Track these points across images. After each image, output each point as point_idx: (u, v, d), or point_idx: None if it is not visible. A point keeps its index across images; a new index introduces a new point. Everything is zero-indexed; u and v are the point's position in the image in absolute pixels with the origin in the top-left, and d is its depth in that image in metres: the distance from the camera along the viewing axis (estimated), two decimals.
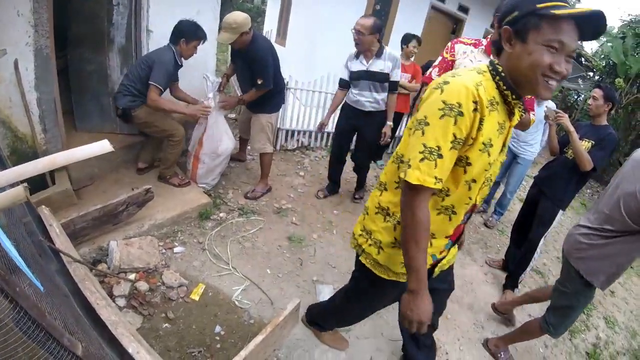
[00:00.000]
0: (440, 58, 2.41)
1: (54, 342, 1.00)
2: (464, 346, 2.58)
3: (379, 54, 3.21)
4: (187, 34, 2.94)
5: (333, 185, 3.95)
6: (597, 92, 2.76)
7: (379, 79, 3.26)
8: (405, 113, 4.74)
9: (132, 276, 2.42)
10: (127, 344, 1.49)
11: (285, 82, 4.23)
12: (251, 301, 2.47)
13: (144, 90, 2.89)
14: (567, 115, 2.84)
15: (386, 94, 3.37)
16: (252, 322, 2.32)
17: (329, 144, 5.07)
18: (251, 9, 14.07)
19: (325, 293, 2.67)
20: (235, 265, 2.73)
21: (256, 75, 3.11)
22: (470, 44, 2.27)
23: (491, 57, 1.96)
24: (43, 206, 2.19)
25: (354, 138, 3.82)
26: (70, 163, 1.21)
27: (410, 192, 1.15)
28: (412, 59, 4.52)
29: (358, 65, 3.29)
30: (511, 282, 3.17)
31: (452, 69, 2.22)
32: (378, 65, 3.22)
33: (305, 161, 4.58)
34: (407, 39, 4.46)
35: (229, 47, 3.28)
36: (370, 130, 3.51)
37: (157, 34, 3.23)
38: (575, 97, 9.49)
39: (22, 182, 2.03)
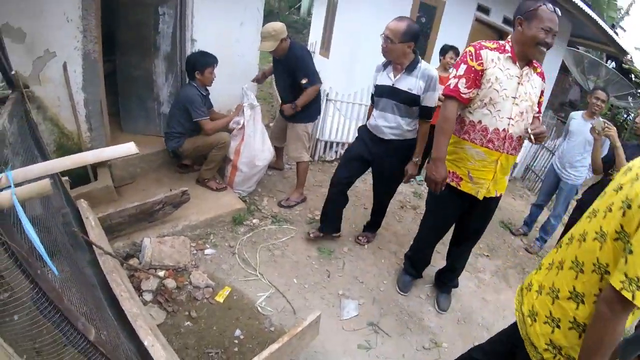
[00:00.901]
0: (464, 67, 2.08)
1: (68, 325, 1.03)
2: None
3: (410, 69, 2.59)
4: (198, 65, 3.14)
5: (327, 225, 3.12)
6: None
7: (405, 101, 2.62)
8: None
9: (161, 273, 2.48)
10: (143, 336, 1.51)
11: (326, 93, 4.26)
12: (274, 309, 2.46)
13: (184, 130, 3.24)
14: (615, 129, 2.64)
15: (414, 120, 2.70)
16: (272, 330, 2.30)
17: None
18: (297, 21, 14.35)
19: (350, 308, 2.61)
20: (263, 272, 2.73)
21: (300, 77, 3.16)
22: (494, 49, 2.07)
23: (517, 64, 2.05)
24: (82, 199, 2.31)
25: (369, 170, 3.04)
26: (99, 161, 1.26)
27: (622, 309, 0.98)
28: (451, 70, 4.40)
29: (384, 79, 2.73)
30: None
31: (482, 79, 2.06)
32: (407, 83, 2.59)
33: None
34: (444, 50, 4.38)
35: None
36: (389, 165, 2.81)
37: (200, 43, 3.36)
38: (625, 116, 8.82)
39: (62, 175, 2.15)
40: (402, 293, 2.86)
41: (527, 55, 2.05)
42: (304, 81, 3.16)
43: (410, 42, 2.53)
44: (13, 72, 1.43)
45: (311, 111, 3.47)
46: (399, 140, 2.73)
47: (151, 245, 2.56)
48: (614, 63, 9.52)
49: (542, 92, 2.18)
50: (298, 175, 3.61)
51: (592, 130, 2.76)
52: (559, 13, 1.99)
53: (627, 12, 12.87)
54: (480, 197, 2.26)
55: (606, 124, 2.68)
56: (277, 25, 3.07)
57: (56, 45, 2.58)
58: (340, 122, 4.60)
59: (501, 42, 2.13)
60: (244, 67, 3.76)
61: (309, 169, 3.67)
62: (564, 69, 8.41)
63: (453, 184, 2.30)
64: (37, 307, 0.93)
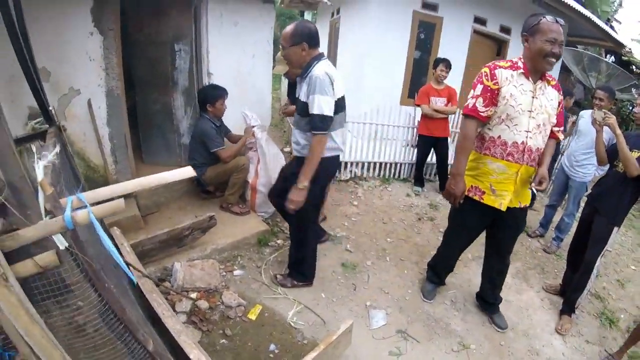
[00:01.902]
0: (480, 87, 2.18)
1: (130, 336, 1.12)
2: None
3: (302, 74, 2.33)
4: (208, 98, 3.34)
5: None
6: None
7: (301, 111, 2.36)
8: (446, 137, 4.74)
9: (193, 295, 2.57)
10: (189, 350, 1.60)
11: None
12: (305, 322, 2.52)
13: (204, 160, 3.42)
14: (614, 118, 2.70)
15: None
16: (305, 342, 2.35)
17: (381, 174, 5.12)
18: None
19: (379, 318, 2.65)
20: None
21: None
22: (507, 67, 2.17)
23: (530, 79, 2.16)
24: (115, 227, 2.44)
25: None
26: (162, 184, 1.38)
27: None
28: (445, 82, 4.59)
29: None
30: (568, 307, 2.98)
31: (497, 98, 2.16)
32: (301, 90, 2.36)
33: (358, 191, 4.64)
34: (436, 62, 4.57)
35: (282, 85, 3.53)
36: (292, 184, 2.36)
37: (216, 77, 3.56)
38: (630, 108, 8.73)
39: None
40: (427, 300, 2.91)
41: (538, 69, 2.15)
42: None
43: (301, 43, 2.25)
44: (50, 108, 1.58)
45: None
46: (303, 159, 2.39)
47: (182, 269, 2.66)
48: (613, 57, 9.54)
49: (559, 103, 2.27)
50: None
51: (594, 121, 2.82)
52: (562, 22, 2.07)
53: (620, 4, 12.89)
54: (503, 208, 2.32)
55: (606, 114, 2.74)
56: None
57: (80, 83, 2.77)
58: (352, 142, 4.73)
59: (514, 59, 2.23)
60: (257, 96, 3.95)
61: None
62: (565, 70, 8.45)
63: (476, 197, 2.39)
64: (103, 319, 1.03)
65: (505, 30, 6.58)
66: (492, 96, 2.16)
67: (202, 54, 3.50)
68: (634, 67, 8.73)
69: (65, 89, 2.72)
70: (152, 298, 1.88)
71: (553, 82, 2.24)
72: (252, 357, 2.21)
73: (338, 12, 7.18)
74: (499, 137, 2.23)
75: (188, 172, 1.46)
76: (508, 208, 2.34)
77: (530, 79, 2.16)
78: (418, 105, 4.62)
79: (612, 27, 10.44)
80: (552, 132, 2.32)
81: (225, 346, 2.26)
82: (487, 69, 2.19)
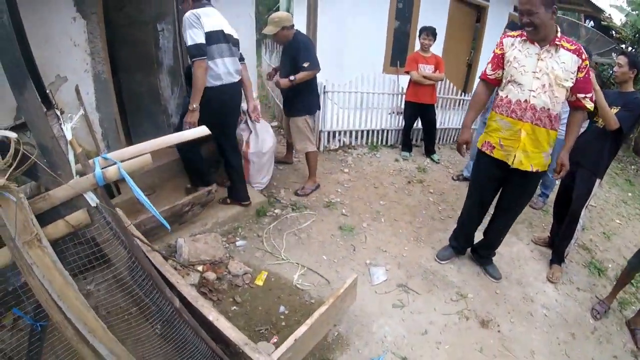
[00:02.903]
0: (492, 55, 2.51)
1: (158, 293, 1.18)
2: (515, 318, 2.62)
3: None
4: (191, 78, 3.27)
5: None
6: (622, 59, 2.79)
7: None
8: (433, 104, 4.82)
9: (200, 268, 2.64)
10: (207, 313, 1.68)
11: (323, 85, 4.43)
12: (310, 284, 2.63)
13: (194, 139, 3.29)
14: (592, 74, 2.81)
15: None
16: (312, 302, 2.47)
17: (369, 141, 5.19)
18: None
19: (379, 274, 2.78)
20: (293, 254, 2.90)
21: (301, 61, 3.32)
22: (516, 36, 2.38)
23: (536, 44, 2.28)
24: (117, 208, 2.47)
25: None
26: (181, 141, 1.44)
27: None
28: (431, 50, 4.65)
29: None
30: (557, 257, 3.16)
31: (503, 61, 2.42)
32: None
33: (348, 159, 4.71)
34: (420, 31, 4.63)
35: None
36: None
37: None
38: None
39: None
40: (439, 260, 3.03)
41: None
42: (305, 64, 3.30)
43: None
44: (48, 91, 1.58)
45: (308, 104, 3.62)
46: None
47: (186, 244, 2.72)
48: (592, 22, 9.64)
49: (579, 67, 2.27)
50: (308, 165, 3.77)
51: None
52: None
53: None
54: (510, 163, 2.47)
55: None
56: (283, 15, 3.30)
57: (67, 70, 2.72)
58: (339, 112, 4.77)
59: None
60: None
61: (317, 158, 3.83)
62: None
63: (487, 151, 2.58)
64: (132, 276, 1.09)
65: None
66: (499, 61, 2.45)
67: None
68: (613, 32, 8.85)
69: (52, 77, 2.67)
70: (164, 269, 1.95)
71: (571, 47, 2.26)
72: (264, 320, 2.32)
73: None
74: (507, 96, 2.42)
75: (203, 130, 1.51)
76: (518, 170, 2.48)
77: (535, 44, 2.28)
78: (407, 72, 4.66)
79: None
80: (577, 100, 2.36)
81: (237, 312, 2.36)
82: (499, 40, 2.48)
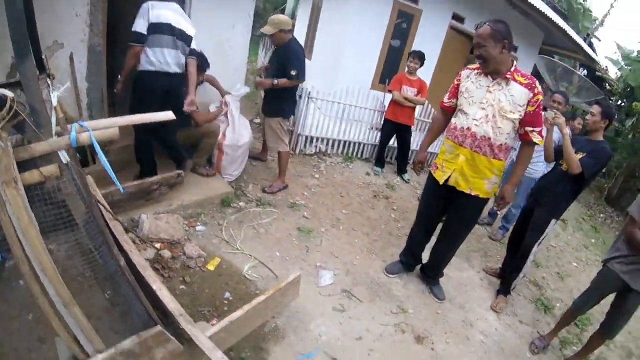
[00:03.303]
0: (452, 85, 2.72)
1: (107, 249, 1.32)
2: (451, 339, 2.75)
3: None
4: None
5: None
6: (595, 109, 2.90)
7: None
8: (410, 125, 5.03)
9: (157, 245, 2.76)
10: (152, 282, 1.81)
11: (307, 92, 4.61)
12: (259, 276, 2.78)
13: (176, 123, 3.34)
14: (563, 118, 2.99)
15: None
16: (257, 293, 2.61)
17: (344, 152, 5.39)
18: None
19: (327, 277, 2.94)
20: (249, 246, 3.04)
21: (290, 69, 3.47)
22: (474, 69, 2.57)
23: (489, 77, 2.45)
24: (88, 175, 2.57)
25: None
26: (142, 122, 1.57)
27: None
28: (418, 74, 4.90)
29: None
30: (504, 288, 3.32)
31: (457, 91, 2.64)
32: None
33: (321, 165, 4.89)
34: (409, 54, 4.88)
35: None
36: None
37: (198, 45, 3.65)
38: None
39: None
40: (387, 274, 3.18)
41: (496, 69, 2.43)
42: (292, 72, 3.47)
43: None
44: (43, 56, 1.69)
45: (284, 108, 3.77)
46: None
47: (148, 220, 2.83)
48: (585, 71, 10.15)
49: (529, 101, 2.38)
50: (279, 164, 3.92)
51: (545, 120, 2.97)
52: (483, 29, 2.32)
53: (601, 23, 13.59)
54: (441, 181, 2.69)
55: (556, 114, 3.02)
56: (283, 18, 3.44)
57: (64, 37, 2.83)
58: (320, 119, 4.95)
59: None
60: (234, 65, 4.09)
61: (291, 161, 3.99)
62: (538, 76, 8.97)
63: (431, 170, 2.83)
64: (87, 230, 1.23)
65: None
66: (454, 90, 2.68)
67: None
68: (606, 84, 9.31)
69: (50, 42, 2.76)
70: (121, 238, 2.06)
71: (524, 81, 2.38)
72: (207, 302, 2.44)
73: None
74: (454, 123, 2.65)
75: (168, 115, 1.65)
76: (459, 192, 2.65)
77: (488, 76, 2.46)
78: (390, 91, 4.88)
79: (590, 43, 10.99)
80: (525, 133, 2.47)
81: (184, 291, 2.48)
82: (459, 72, 2.70)
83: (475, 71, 2.55)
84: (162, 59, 2.95)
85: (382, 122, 5.23)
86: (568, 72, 8.21)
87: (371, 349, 2.46)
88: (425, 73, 5.81)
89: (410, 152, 5.41)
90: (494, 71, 2.42)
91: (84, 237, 1.24)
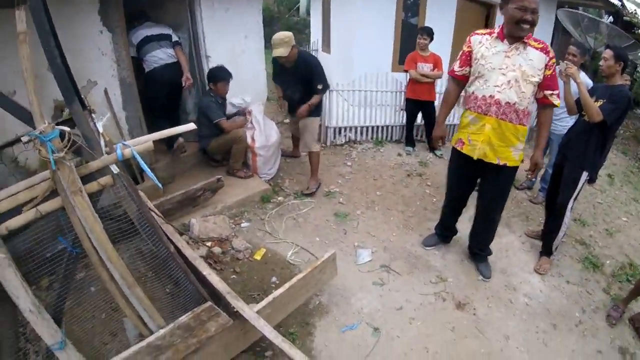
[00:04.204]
0: (460, 52, 2.62)
1: (157, 237, 1.61)
2: (493, 304, 2.77)
3: None
4: (214, 78, 3.82)
5: None
6: (607, 53, 2.83)
7: None
8: (432, 101, 5.06)
9: (208, 244, 3.08)
10: (202, 268, 2.10)
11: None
12: (302, 260, 3.02)
13: (209, 132, 3.89)
14: (575, 67, 2.93)
15: None
16: None
17: (374, 137, 5.53)
18: (298, 22, 14.66)
19: (365, 255, 3.13)
20: (290, 235, 3.30)
21: (315, 81, 3.64)
22: (484, 34, 2.51)
23: (505, 41, 2.40)
24: (140, 190, 2.94)
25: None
26: (172, 134, 1.87)
27: None
28: (430, 49, 4.92)
29: None
30: (546, 249, 3.24)
31: (470, 59, 2.55)
32: None
33: (352, 153, 5.07)
34: (417, 32, 4.91)
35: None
36: None
37: (214, 59, 4.00)
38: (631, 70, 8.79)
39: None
40: (424, 246, 3.27)
41: (513, 34, 2.36)
42: (319, 86, 3.66)
43: None
44: (83, 96, 2.04)
45: (320, 106, 4.01)
46: None
47: (197, 224, 3.17)
48: (611, 18, 9.50)
49: (547, 65, 2.38)
50: (311, 164, 4.05)
51: (560, 73, 3.00)
52: None
53: None
54: (475, 157, 2.60)
55: (567, 65, 3.00)
56: (288, 33, 3.54)
57: (96, 75, 3.21)
58: (345, 109, 5.12)
59: (495, 27, 2.53)
60: (252, 73, 4.39)
61: (322, 153, 4.18)
62: (564, 32, 8.52)
63: (458, 147, 2.72)
64: (139, 223, 1.52)
65: None
66: (466, 58, 2.58)
67: (199, 40, 3.93)
68: (636, 28, 8.69)
69: (84, 81, 3.16)
70: (174, 238, 2.38)
71: (538, 45, 2.38)
72: (257, 287, 2.72)
73: None
74: (473, 92, 2.56)
75: (190, 126, 1.93)
76: (489, 164, 2.58)
77: (505, 41, 2.40)
78: (406, 71, 4.96)
79: None
80: (544, 97, 2.46)
81: (235, 280, 2.78)
82: (467, 37, 2.60)
83: (487, 36, 2.48)
84: (155, 59, 3.72)
85: (404, 102, 5.30)
86: (594, 23, 7.74)
87: (412, 318, 2.57)
88: (444, 46, 5.77)
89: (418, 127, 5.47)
90: (513, 35, 2.37)
91: (139, 232, 1.54)
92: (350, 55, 5.95)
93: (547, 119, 2.60)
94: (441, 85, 5.47)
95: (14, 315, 1.64)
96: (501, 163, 2.58)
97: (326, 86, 3.75)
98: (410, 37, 5.75)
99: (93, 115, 1.67)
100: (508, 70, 2.40)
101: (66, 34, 2.91)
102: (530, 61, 2.37)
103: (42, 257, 1.38)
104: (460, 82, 2.70)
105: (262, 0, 4.33)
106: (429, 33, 4.80)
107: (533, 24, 2.29)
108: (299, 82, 3.74)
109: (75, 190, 1.30)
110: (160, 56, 3.74)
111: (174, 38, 3.84)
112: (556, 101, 2.48)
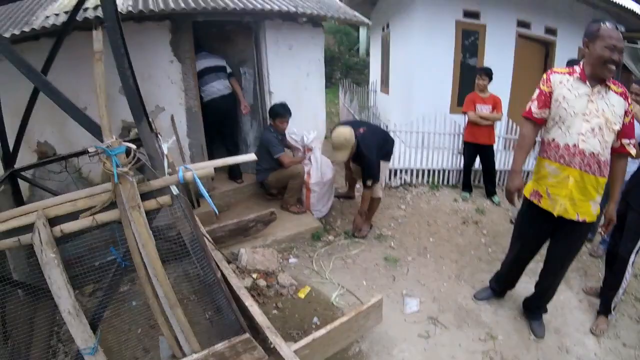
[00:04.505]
0: (537, 91, 2.37)
1: (206, 262, 1.63)
2: None
3: None
4: (273, 114, 3.97)
5: None
6: None
7: None
8: (491, 144, 4.86)
9: (254, 275, 3.09)
10: (244, 299, 2.09)
11: (385, 126, 4.82)
12: (346, 303, 2.93)
13: (268, 166, 4.01)
14: (639, 107, 2.67)
15: None
16: None
17: (430, 180, 5.38)
18: (357, 63, 14.93)
19: (412, 305, 2.96)
20: (337, 276, 3.22)
21: (365, 177, 3.63)
22: (564, 73, 2.30)
23: (587, 83, 2.21)
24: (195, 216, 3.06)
25: None
26: (235, 163, 1.95)
27: None
28: (490, 89, 4.76)
29: None
30: (604, 307, 2.93)
31: (550, 100, 2.31)
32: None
33: (407, 196, 4.94)
34: (476, 72, 4.80)
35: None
36: None
37: (277, 95, 4.17)
38: None
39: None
40: (475, 300, 3.06)
41: (597, 75, 2.17)
42: (369, 183, 3.59)
43: None
44: (150, 119, 2.21)
45: (390, 152, 3.98)
46: None
47: (246, 254, 3.21)
48: None
49: (626, 111, 2.22)
50: (370, 208, 3.95)
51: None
52: (622, 29, 2.12)
53: None
54: (556, 213, 2.34)
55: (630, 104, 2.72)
56: (348, 135, 3.48)
57: (164, 102, 3.47)
58: (402, 150, 5.06)
59: (576, 67, 2.31)
60: (313, 110, 4.52)
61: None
62: (625, 69, 7.95)
63: (535, 201, 2.45)
64: (191, 245, 1.56)
65: (551, 31, 6.46)
66: (546, 99, 2.32)
67: (263, 75, 4.15)
68: None
69: (152, 106, 3.42)
70: (222, 265, 2.42)
71: (618, 90, 2.22)
72: (297, 326, 2.66)
73: (388, 27, 7.64)
74: (553, 139, 2.31)
75: (250, 156, 1.99)
76: (565, 220, 2.34)
77: (587, 83, 2.20)
78: (464, 113, 4.84)
79: None
80: (621, 146, 2.27)
81: (276, 315, 2.74)
82: (544, 75, 2.38)
83: (567, 76, 2.27)
84: (212, 89, 3.98)
85: (462, 146, 5.15)
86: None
87: None
88: (503, 86, 5.60)
89: (497, 172, 5.20)
90: (596, 77, 2.19)
91: (189, 254, 1.58)
92: (408, 96, 5.97)
93: (623, 169, 2.37)
94: (500, 129, 5.29)
95: (52, 314, 1.73)
96: (580, 219, 2.33)
97: (375, 181, 3.64)
98: (469, 78, 5.64)
99: (159, 137, 1.80)
100: (592, 116, 2.19)
101: (138, 59, 3.06)
102: (613, 107, 2.19)
103: (90, 265, 1.45)
104: (538, 125, 2.42)
105: (323, 39, 4.51)
106: (488, 74, 4.68)
107: (619, 64, 2.17)
108: (357, 166, 3.82)
109: (133, 205, 1.37)
110: (218, 87, 4.00)
111: (229, 70, 4.12)
112: (633, 150, 2.27)
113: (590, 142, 2.19)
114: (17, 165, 2.57)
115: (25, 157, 2.90)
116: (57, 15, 3.11)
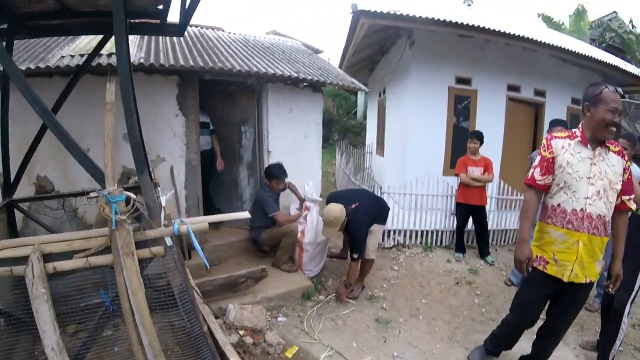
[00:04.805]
0: (539, 157, 2.37)
1: (193, 314, 1.64)
2: None
3: None
4: (269, 176, 4.11)
5: None
6: None
7: None
8: (483, 205, 4.94)
9: (241, 332, 3.02)
10: (230, 355, 2.05)
11: (379, 187, 4.94)
12: None
13: (262, 224, 4.08)
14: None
15: None
16: None
17: (423, 241, 5.39)
18: (355, 125, 15.61)
19: None
20: (326, 337, 3.14)
21: (352, 250, 3.69)
22: (564, 137, 2.32)
23: (588, 146, 2.25)
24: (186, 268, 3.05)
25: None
26: (229, 219, 2.01)
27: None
28: (480, 152, 4.95)
29: None
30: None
31: (553, 166, 2.32)
32: None
33: (400, 257, 4.93)
34: (468, 136, 5.02)
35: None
36: None
37: (275, 154, 4.32)
38: None
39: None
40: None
41: (598, 137, 2.22)
42: (355, 256, 3.63)
43: None
44: (151, 169, 2.29)
45: (385, 215, 4.05)
46: None
47: (234, 310, 3.16)
48: None
49: (624, 170, 2.26)
50: (362, 270, 3.92)
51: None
52: (621, 92, 2.19)
53: None
54: (566, 279, 2.29)
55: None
56: (338, 212, 3.55)
57: (165, 153, 3.58)
58: (395, 211, 5.13)
59: (574, 130, 2.35)
60: (309, 171, 4.66)
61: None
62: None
63: (540, 267, 2.39)
64: (180, 297, 1.57)
65: (540, 93, 6.79)
66: (549, 165, 2.31)
67: (263, 135, 4.33)
68: None
69: (153, 156, 3.53)
70: (209, 320, 2.39)
71: (616, 149, 2.26)
72: None
73: (384, 92, 8.07)
74: (559, 205, 2.29)
75: (244, 214, 2.05)
76: (572, 283, 2.30)
77: (588, 146, 2.24)
78: (456, 175, 5.00)
79: None
80: (622, 203, 2.29)
81: None
82: (545, 141, 2.40)
83: (568, 140, 2.30)
84: (200, 144, 4.06)
85: (454, 207, 5.24)
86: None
87: None
88: (494, 148, 5.80)
89: (490, 232, 5.26)
90: (596, 139, 2.23)
91: (177, 305, 1.58)
92: (402, 158, 6.16)
93: (625, 224, 2.38)
94: (492, 190, 5.42)
95: (32, 349, 1.69)
96: (587, 280, 2.31)
97: (361, 256, 3.66)
98: (462, 140, 5.84)
99: (158, 188, 1.87)
100: (596, 179, 2.21)
101: (145, 110, 3.18)
102: (613, 167, 2.24)
103: (76, 305, 1.45)
104: (541, 192, 2.41)
105: (322, 104, 4.77)
106: (479, 137, 4.89)
107: (619, 126, 2.23)
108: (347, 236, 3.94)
109: (127, 252, 1.41)
110: (201, 142, 4.16)
111: (211, 126, 4.36)
112: (633, 206, 2.30)
113: (597, 204, 2.21)
114: (15, 196, 2.60)
115: (23, 189, 2.93)
116: (72, 56, 3.27)
